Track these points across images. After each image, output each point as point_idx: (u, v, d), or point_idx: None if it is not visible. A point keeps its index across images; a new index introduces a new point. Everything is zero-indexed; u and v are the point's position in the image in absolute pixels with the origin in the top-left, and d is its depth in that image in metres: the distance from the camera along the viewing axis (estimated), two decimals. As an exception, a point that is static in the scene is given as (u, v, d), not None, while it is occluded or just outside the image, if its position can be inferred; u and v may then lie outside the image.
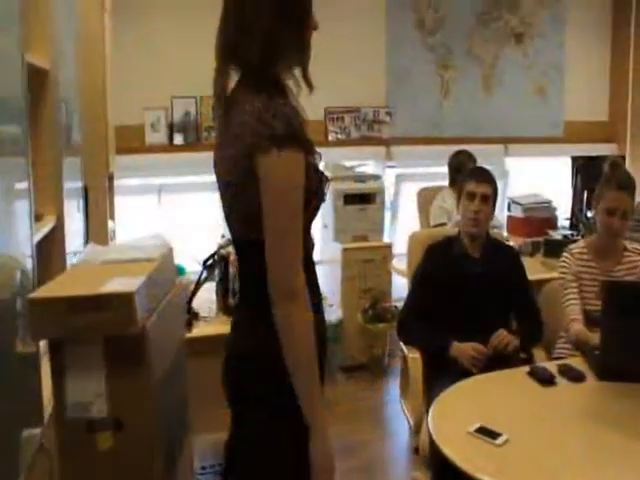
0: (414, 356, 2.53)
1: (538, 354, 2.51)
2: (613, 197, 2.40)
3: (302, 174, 1.28)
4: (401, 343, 2.76)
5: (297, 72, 1.39)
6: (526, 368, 2.09)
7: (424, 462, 2.15)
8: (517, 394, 1.95)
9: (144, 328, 1.52)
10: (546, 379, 1.98)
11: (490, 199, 2.53)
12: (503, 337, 2.37)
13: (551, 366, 2.11)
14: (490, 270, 2.51)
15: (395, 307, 4.03)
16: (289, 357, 1.26)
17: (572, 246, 2.59)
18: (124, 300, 1.46)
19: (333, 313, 3.91)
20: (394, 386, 3.95)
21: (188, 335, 2.41)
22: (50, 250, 2.06)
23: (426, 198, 4.40)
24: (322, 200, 1.40)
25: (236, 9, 1.32)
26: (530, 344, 2.49)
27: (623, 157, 5.18)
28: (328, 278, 4.27)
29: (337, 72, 4.52)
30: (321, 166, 1.43)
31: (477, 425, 1.65)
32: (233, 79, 1.39)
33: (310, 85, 1.39)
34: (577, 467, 1.58)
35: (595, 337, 2.22)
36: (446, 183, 4.33)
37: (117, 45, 3.63)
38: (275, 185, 1.26)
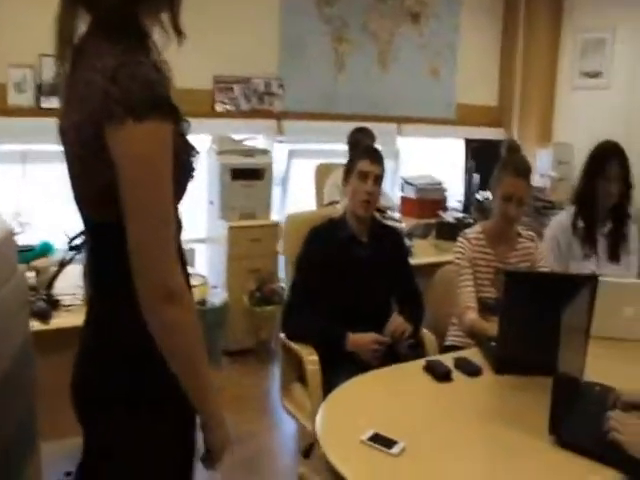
0: (311, 358, 2.22)
1: (426, 337, 2.41)
2: (510, 183, 2.32)
3: (168, 149, 1.03)
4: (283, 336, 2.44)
5: (165, 18, 1.11)
6: (422, 362, 1.96)
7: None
8: (413, 392, 1.80)
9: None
10: (442, 375, 1.86)
11: (381, 180, 2.38)
12: (400, 324, 2.25)
13: (447, 359, 1.99)
14: (377, 253, 2.37)
15: (283, 288, 3.85)
16: (173, 364, 1.09)
17: (468, 231, 2.50)
18: None
19: (217, 295, 3.65)
20: (282, 373, 3.81)
21: (44, 327, 2.08)
22: None
23: (324, 174, 4.24)
24: (191, 177, 1.16)
25: None
26: (417, 329, 2.38)
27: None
28: (213, 258, 4.01)
29: (227, 38, 4.25)
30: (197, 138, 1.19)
31: (371, 432, 1.48)
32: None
33: (180, 33, 1.11)
34: (477, 471, 1.47)
35: (490, 326, 2.14)
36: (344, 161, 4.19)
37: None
38: (133, 164, 1.01)
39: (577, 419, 1.64)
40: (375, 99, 5.06)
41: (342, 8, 4.82)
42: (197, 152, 1.18)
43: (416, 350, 2.35)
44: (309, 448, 2.36)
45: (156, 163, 1.02)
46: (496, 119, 5.97)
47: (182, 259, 1.19)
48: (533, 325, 1.89)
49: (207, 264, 4.08)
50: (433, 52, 5.36)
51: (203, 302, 2.76)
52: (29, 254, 2.50)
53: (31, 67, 3.73)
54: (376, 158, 2.38)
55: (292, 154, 4.72)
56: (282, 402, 2.44)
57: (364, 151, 2.46)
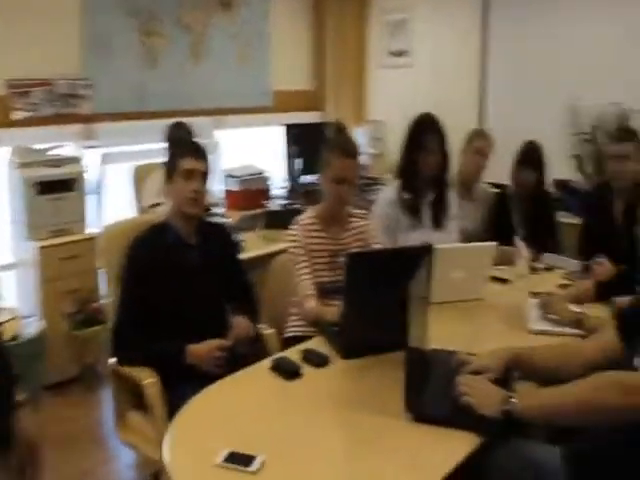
0: (149, 381, 1.99)
1: (265, 332, 2.32)
2: (339, 165, 2.28)
3: None
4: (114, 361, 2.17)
5: None
6: (267, 362, 1.85)
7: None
8: (264, 397, 1.69)
9: None
10: (291, 372, 1.78)
11: (207, 177, 2.23)
12: (245, 326, 2.15)
13: (292, 354, 1.91)
14: (207, 254, 2.22)
15: (106, 306, 3.54)
16: None
17: (301, 217, 2.43)
18: None
19: (32, 325, 3.25)
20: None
21: None
22: None
23: (144, 177, 3.97)
24: None
25: None
26: (256, 322, 2.28)
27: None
28: (23, 284, 3.56)
29: (21, 38, 3.81)
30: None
31: (226, 452, 1.35)
32: None
33: None
34: (340, 464, 1.40)
35: (330, 311, 2.09)
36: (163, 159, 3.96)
37: None
38: None
39: (429, 390, 1.65)
40: (190, 93, 4.86)
41: (150, 0, 4.54)
42: None
43: (255, 346, 2.24)
44: (156, 475, 2.17)
45: None
46: (313, 103, 6.05)
47: None
48: (377, 304, 1.88)
49: (17, 292, 3.61)
50: (245, 41, 5.27)
51: (15, 337, 2.43)
52: None
53: None
54: (200, 154, 2.21)
55: (106, 159, 4.36)
56: (118, 435, 2.19)
57: (186, 148, 2.26)
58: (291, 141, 3.96)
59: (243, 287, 2.37)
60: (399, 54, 5.70)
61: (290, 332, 2.42)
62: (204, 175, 2.19)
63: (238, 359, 2.03)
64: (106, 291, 2.24)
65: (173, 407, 1.91)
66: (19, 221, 3.51)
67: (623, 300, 2.43)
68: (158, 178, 3.89)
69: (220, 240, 2.32)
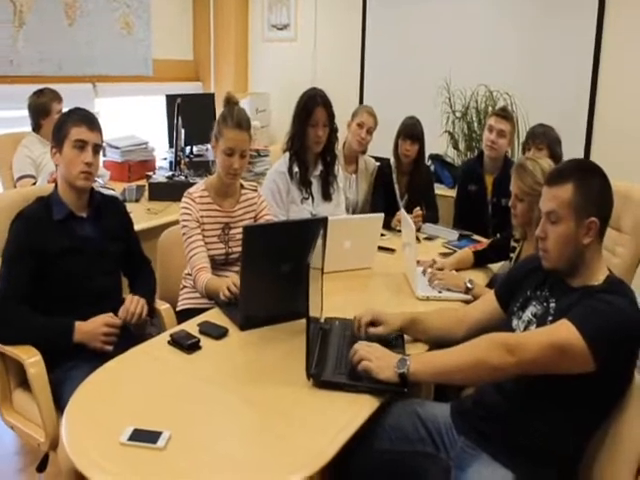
0: (32, 360, 1.85)
1: (161, 307, 2.25)
2: (232, 137, 2.25)
3: None
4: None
5: None
6: (165, 336, 1.82)
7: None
8: (165, 372, 1.66)
9: None
10: (190, 345, 1.76)
11: (100, 147, 2.11)
12: (135, 304, 2.06)
13: (190, 327, 1.89)
14: (102, 229, 2.12)
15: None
16: None
17: (191, 190, 2.38)
18: None
19: None
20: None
21: None
22: None
23: (10, 147, 3.67)
24: None
25: None
26: (152, 299, 2.22)
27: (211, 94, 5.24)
28: None
29: None
30: None
31: (130, 430, 1.32)
32: None
33: None
34: (247, 436, 1.41)
35: (224, 283, 2.07)
36: (29, 129, 3.69)
37: None
38: None
39: (327, 357, 1.70)
40: (64, 58, 4.55)
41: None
42: None
43: (152, 324, 2.20)
44: (44, 460, 2.07)
45: None
46: (193, 73, 5.91)
47: None
48: (274, 275, 1.90)
49: None
50: (125, 7, 5.00)
51: None
52: None
53: None
54: (94, 125, 2.07)
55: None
56: (2, 416, 2.06)
57: (79, 116, 2.09)
58: (173, 111, 3.83)
59: (140, 260, 2.30)
60: (281, 28, 5.69)
61: (184, 305, 2.38)
62: (97, 147, 2.07)
63: (134, 337, 1.98)
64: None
65: (60, 388, 1.85)
66: None
67: (498, 266, 2.65)
68: (29, 148, 3.63)
69: (114, 213, 2.21)
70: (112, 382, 1.60)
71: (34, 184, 3.38)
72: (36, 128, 3.68)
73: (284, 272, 1.90)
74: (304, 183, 2.81)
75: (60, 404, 1.80)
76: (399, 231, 2.94)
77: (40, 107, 3.66)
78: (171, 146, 4.15)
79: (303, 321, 1.60)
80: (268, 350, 1.80)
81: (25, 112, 3.69)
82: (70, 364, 1.89)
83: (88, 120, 2.07)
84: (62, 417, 1.44)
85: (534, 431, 1.51)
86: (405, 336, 1.85)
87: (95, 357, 1.84)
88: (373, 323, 1.81)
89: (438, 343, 1.81)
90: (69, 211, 2.07)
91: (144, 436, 1.30)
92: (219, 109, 2.52)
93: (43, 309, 1.95)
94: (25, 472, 2.50)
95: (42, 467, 2.07)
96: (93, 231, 2.10)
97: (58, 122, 2.10)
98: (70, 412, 1.44)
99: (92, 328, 1.95)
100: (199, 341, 1.79)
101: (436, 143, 4.30)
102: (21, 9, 4.29)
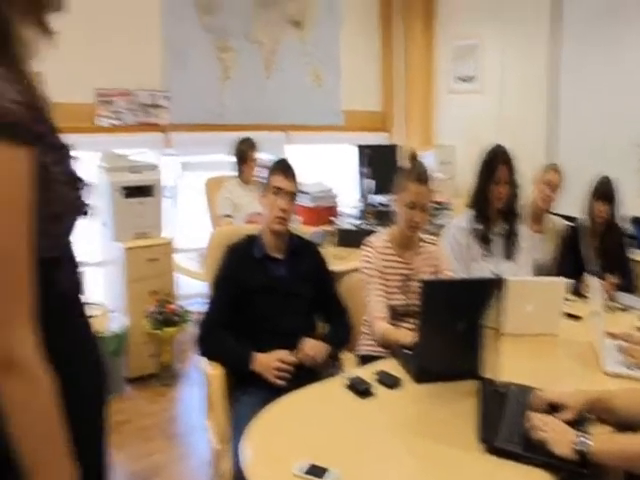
0: (214, 372, 2.13)
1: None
2: (414, 191, 2.33)
3: (19, 180, 0.86)
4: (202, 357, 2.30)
5: (31, 18, 0.95)
6: (341, 380, 1.90)
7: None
8: (337, 412, 1.73)
9: None
10: (364, 391, 1.81)
11: (295, 195, 2.32)
12: (309, 349, 2.17)
13: (365, 373, 1.95)
14: (295, 271, 2.29)
15: (182, 307, 3.68)
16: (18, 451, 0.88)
17: (373, 239, 2.48)
18: None
19: (116, 321, 3.44)
20: (188, 395, 3.61)
21: None
22: None
23: (213, 188, 4.12)
24: (78, 212, 1.01)
25: None
26: (339, 349, 2.32)
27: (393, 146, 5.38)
28: (111, 282, 3.74)
29: (108, 50, 4.04)
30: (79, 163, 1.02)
31: (307, 464, 1.40)
32: None
33: (48, 32, 0.96)
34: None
35: (402, 334, 2.12)
36: (234, 173, 4.12)
37: None
38: None
39: (501, 422, 1.65)
40: (262, 108, 5.01)
41: (223, 17, 4.72)
42: (84, 183, 1.02)
43: (331, 366, 2.29)
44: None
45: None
46: (380, 124, 6.11)
47: (75, 309, 1.04)
48: (450, 331, 1.89)
49: (105, 289, 3.81)
50: (316, 60, 5.39)
51: (100, 331, 2.55)
52: None
53: None
54: (289, 173, 2.30)
55: (182, 167, 4.55)
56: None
57: (277, 167, 2.36)
58: (363, 161, 4.01)
59: (338, 308, 2.43)
60: (467, 80, 5.71)
61: (363, 351, 2.45)
62: (292, 195, 2.27)
63: (308, 375, 2.08)
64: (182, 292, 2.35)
65: (234, 405, 2.04)
66: (107, 223, 3.67)
67: None
68: (228, 191, 4.03)
69: (309, 256, 2.39)
70: (288, 415, 1.70)
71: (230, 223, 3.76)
72: (238, 173, 4.10)
73: (460, 329, 1.89)
74: (485, 240, 2.79)
75: (235, 420, 1.98)
76: (587, 297, 2.77)
77: (239, 154, 4.08)
78: (362, 195, 4.32)
79: (477, 381, 1.58)
80: (439, 406, 1.79)
81: (227, 157, 4.13)
82: (250, 389, 2.06)
83: (284, 169, 2.29)
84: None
85: None
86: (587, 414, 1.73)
87: (270, 388, 1.98)
88: (553, 406, 1.70)
89: (624, 426, 1.67)
90: (265, 252, 2.28)
91: (317, 472, 1.37)
92: (402, 161, 2.61)
93: (237, 335, 2.17)
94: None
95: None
96: (287, 272, 2.28)
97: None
98: (249, 439, 1.55)
99: (267, 361, 2.10)
100: (373, 388, 1.84)
101: (635, 205, 4.00)
102: (227, 64, 4.82)
